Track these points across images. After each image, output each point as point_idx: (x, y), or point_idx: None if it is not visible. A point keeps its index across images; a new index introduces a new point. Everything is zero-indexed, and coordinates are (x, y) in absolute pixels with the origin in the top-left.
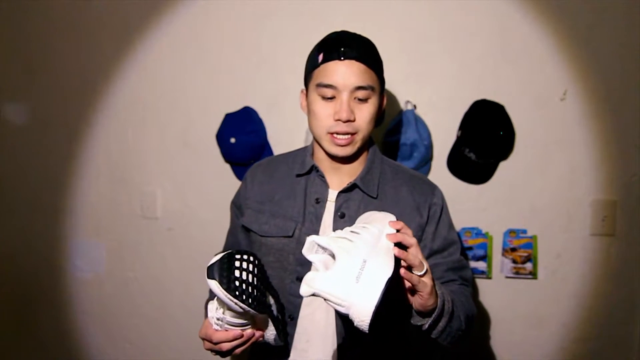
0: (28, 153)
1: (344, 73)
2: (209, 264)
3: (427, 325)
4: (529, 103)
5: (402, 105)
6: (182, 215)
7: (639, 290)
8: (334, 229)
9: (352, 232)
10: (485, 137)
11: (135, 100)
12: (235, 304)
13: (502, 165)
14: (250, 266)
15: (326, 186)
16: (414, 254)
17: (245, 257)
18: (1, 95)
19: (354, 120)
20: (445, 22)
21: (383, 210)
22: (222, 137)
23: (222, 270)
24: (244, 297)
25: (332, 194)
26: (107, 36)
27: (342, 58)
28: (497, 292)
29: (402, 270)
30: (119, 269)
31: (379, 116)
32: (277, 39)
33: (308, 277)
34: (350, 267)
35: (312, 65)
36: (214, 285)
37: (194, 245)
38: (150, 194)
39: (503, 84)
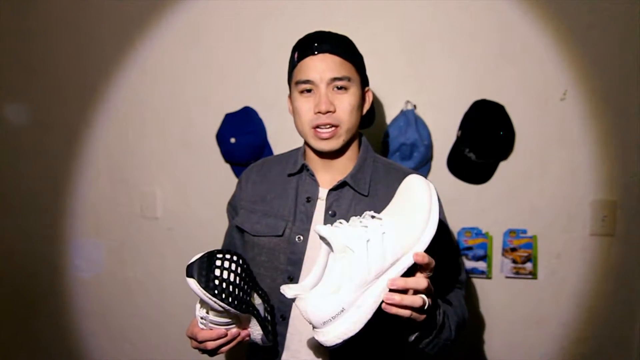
0: (28, 153)
1: (319, 67)
2: (188, 263)
3: (413, 337)
4: (529, 103)
5: (402, 105)
6: (182, 215)
7: (639, 290)
8: None
9: (369, 231)
10: (485, 137)
11: (135, 100)
12: (215, 302)
13: (502, 165)
14: (233, 265)
15: (316, 185)
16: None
17: (227, 256)
18: (1, 95)
19: (334, 112)
20: (445, 22)
21: (374, 208)
22: (222, 137)
23: (201, 269)
24: (224, 295)
25: (323, 192)
26: (107, 36)
27: (315, 52)
28: (497, 292)
29: (407, 313)
30: (119, 269)
31: (368, 115)
32: (277, 39)
33: (295, 289)
34: (328, 307)
35: (291, 66)
36: (193, 283)
37: (194, 245)
38: (150, 194)
39: (503, 84)
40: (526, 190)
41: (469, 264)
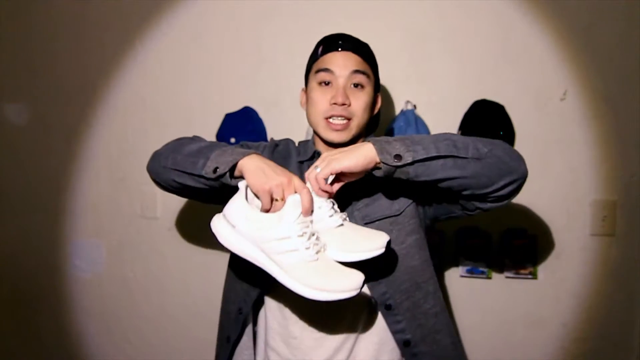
0: (28, 153)
1: (341, 60)
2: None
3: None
4: (529, 103)
5: (402, 105)
6: (182, 215)
7: (639, 290)
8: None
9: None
10: (485, 137)
11: (135, 100)
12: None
13: None
14: None
15: None
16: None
17: None
18: (1, 95)
19: (349, 105)
20: (446, 22)
21: (374, 198)
22: (222, 137)
23: None
24: None
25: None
26: (108, 36)
27: (339, 49)
28: (497, 292)
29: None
30: (119, 269)
31: (373, 120)
32: (277, 39)
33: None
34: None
35: (312, 59)
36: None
37: (194, 245)
38: (150, 194)
39: (503, 84)
40: (526, 190)
41: (468, 264)
